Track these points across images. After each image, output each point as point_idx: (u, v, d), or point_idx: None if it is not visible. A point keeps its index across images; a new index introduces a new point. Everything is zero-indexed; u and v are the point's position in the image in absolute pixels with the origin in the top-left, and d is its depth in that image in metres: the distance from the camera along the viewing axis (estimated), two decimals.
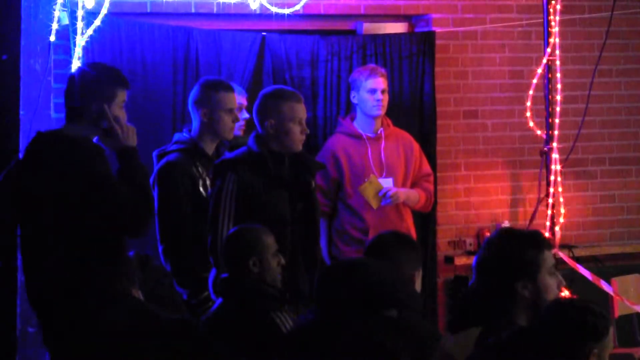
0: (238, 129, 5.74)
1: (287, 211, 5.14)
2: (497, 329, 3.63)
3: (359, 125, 6.25)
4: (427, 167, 6.37)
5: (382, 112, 6.20)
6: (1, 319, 6.15)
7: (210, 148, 5.39)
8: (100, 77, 4.48)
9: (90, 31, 5.92)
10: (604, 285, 6.29)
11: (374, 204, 6.05)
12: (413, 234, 6.22)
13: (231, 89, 5.48)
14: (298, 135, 5.19)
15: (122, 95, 4.50)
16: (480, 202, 7.11)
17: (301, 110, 5.22)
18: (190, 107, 5.45)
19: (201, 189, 5.26)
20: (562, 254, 6.36)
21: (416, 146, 6.36)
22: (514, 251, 3.79)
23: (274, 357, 3.97)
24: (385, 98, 6.20)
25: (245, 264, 4.53)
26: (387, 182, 6.10)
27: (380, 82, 6.16)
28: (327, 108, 6.55)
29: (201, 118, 5.38)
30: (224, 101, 5.39)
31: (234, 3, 6.36)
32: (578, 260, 6.60)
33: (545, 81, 6.46)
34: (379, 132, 6.24)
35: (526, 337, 3.53)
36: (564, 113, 6.56)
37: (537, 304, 3.73)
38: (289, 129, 5.16)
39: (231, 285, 4.54)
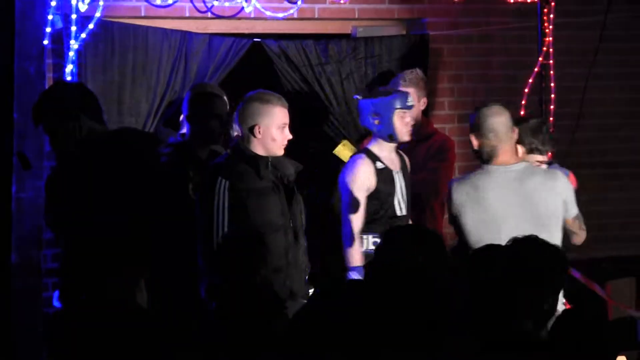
0: None
1: (278, 214, 5.14)
2: None
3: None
4: None
5: None
6: (1, 318, 6.15)
7: (202, 152, 5.39)
8: None
9: (84, 35, 5.93)
10: (597, 289, 6.28)
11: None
12: None
13: (220, 94, 5.49)
14: (282, 141, 5.18)
15: None
16: None
17: (286, 116, 5.21)
18: (182, 112, 5.46)
19: (191, 192, 5.26)
20: None
21: None
22: None
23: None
24: None
25: (244, 268, 4.53)
26: None
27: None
28: None
29: (192, 123, 5.38)
30: (212, 107, 5.40)
31: (228, 6, 6.36)
32: (572, 263, 6.58)
33: (540, 85, 6.46)
34: None
35: (538, 349, 3.50)
36: (558, 116, 6.55)
37: None
38: (273, 134, 5.15)
39: (229, 290, 4.54)
